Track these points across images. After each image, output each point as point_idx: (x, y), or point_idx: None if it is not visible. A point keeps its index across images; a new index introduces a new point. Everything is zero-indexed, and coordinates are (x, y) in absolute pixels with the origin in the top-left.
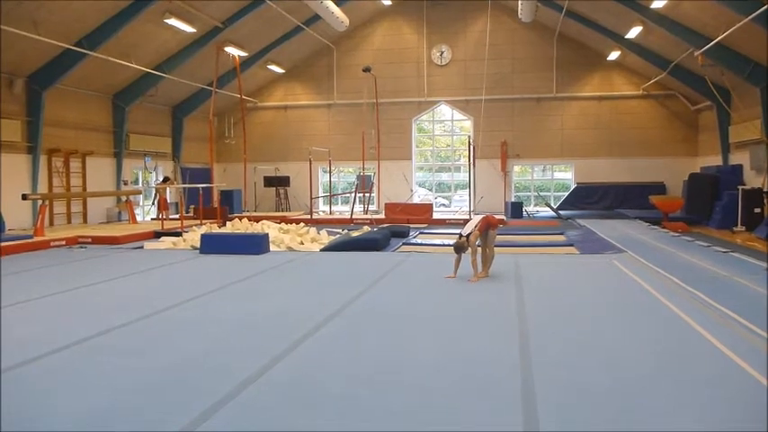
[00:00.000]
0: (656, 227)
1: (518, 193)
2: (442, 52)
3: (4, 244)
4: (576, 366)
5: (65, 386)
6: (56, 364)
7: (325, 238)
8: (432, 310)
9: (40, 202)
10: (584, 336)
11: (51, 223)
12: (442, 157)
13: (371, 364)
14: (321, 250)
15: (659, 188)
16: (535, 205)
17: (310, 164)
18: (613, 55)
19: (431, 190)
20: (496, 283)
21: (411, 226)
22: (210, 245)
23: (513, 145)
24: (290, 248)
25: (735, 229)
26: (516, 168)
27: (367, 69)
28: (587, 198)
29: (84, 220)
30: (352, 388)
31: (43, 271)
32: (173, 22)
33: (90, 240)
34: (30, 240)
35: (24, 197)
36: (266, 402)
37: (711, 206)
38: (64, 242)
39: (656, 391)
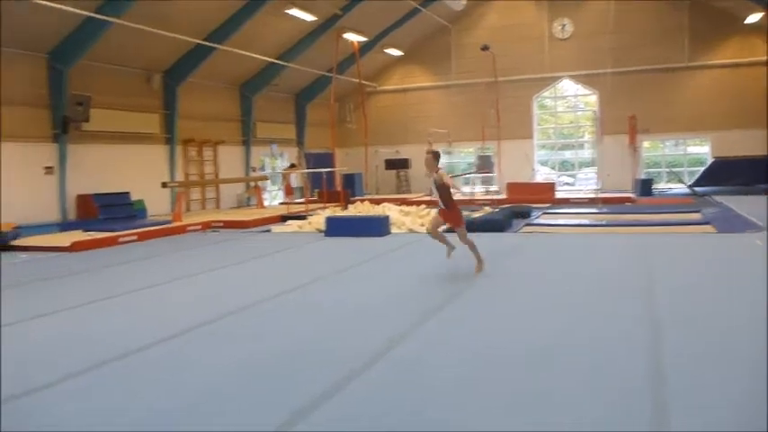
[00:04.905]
0: None
1: (648, 170)
2: (564, 25)
3: (146, 229)
4: (715, 363)
5: (171, 372)
6: (171, 349)
7: None
8: (555, 291)
9: (177, 189)
10: (722, 326)
11: (188, 209)
12: (565, 135)
13: (490, 349)
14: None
15: None
16: (667, 182)
17: (429, 145)
18: (753, 17)
19: (553, 169)
20: (623, 263)
21: (533, 206)
22: (334, 228)
23: (641, 119)
24: (411, 230)
25: None
26: (645, 144)
27: (485, 48)
28: (725, 173)
29: (217, 206)
30: (469, 373)
31: (180, 254)
32: (294, 12)
33: (222, 225)
34: (169, 225)
35: (164, 185)
36: (381, 387)
37: None
38: (199, 227)
39: None
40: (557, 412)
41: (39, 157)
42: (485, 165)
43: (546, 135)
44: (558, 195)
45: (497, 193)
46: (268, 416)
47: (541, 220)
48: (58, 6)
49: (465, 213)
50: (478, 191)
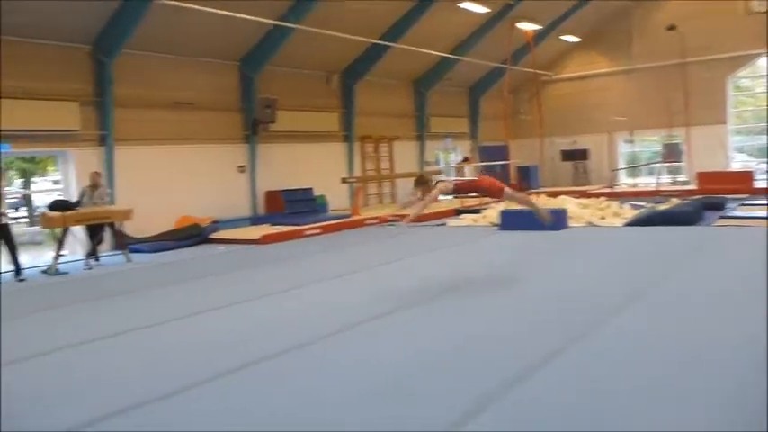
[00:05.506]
0: None
1: None
2: None
3: (328, 222)
4: None
5: (342, 366)
6: (344, 342)
7: (629, 212)
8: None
9: (355, 184)
10: None
11: (366, 203)
12: (765, 118)
13: (669, 359)
14: (624, 225)
15: None
16: None
17: (610, 135)
18: None
19: (752, 156)
20: None
21: (728, 197)
22: (509, 221)
23: None
24: (591, 224)
25: None
26: None
27: (672, 27)
28: None
29: (393, 200)
30: (648, 385)
31: (359, 247)
32: (466, 5)
33: (399, 218)
34: (348, 219)
35: (343, 180)
36: (552, 390)
37: None
38: (377, 220)
39: None
40: None
41: (233, 157)
42: (672, 153)
43: (742, 119)
44: (758, 185)
45: (686, 183)
46: (439, 412)
47: (738, 213)
48: (249, 17)
49: (650, 205)
50: (665, 181)
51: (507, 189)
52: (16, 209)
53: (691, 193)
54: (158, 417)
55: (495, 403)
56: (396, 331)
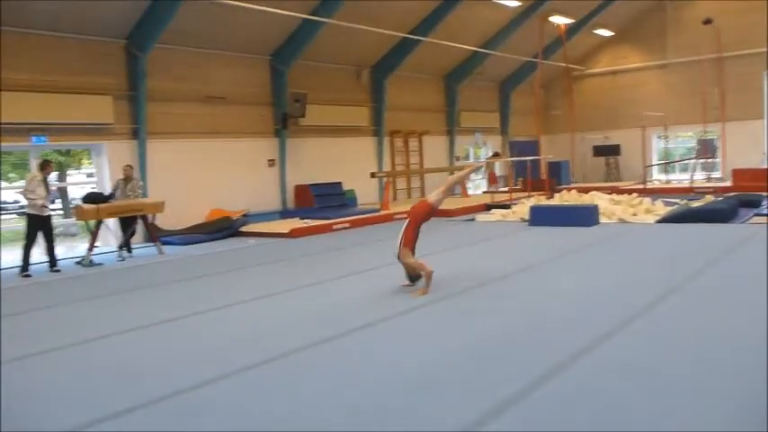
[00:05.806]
0: None
1: None
2: None
3: (357, 217)
4: None
5: (365, 363)
6: (368, 338)
7: (661, 209)
8: None
9: (384, 179)
10: None
11: (395, 198)
12: None
13: (713, 350)
14: (656, 222)
15: None
16: None
17: (643, 130)
18: None
19: None
20: None
21: (764, 194)
22: (539, 217)
23: None
24: (622, 220)
25: None
26: None
27: (708, 21)
28: None
29: (422, 195)
30: (690, 375)
31: (388, 242)
32: None
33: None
34: (377, 214)
35: (372, 175)
36: (586, 386)
37: None
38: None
39: None
40: None
41: (263, 151)
42: (706, 149)
43: None
44: None
45: (721, 180)
46: (462, 411)
47: None
48: (280, 12)
49: (683, 202)
50: (698, 178)
51: (432, 197)
52: (52, 201)
53: (725, 190)
54: (178, 412)
55: (517, 404)
56: (422, 327)
